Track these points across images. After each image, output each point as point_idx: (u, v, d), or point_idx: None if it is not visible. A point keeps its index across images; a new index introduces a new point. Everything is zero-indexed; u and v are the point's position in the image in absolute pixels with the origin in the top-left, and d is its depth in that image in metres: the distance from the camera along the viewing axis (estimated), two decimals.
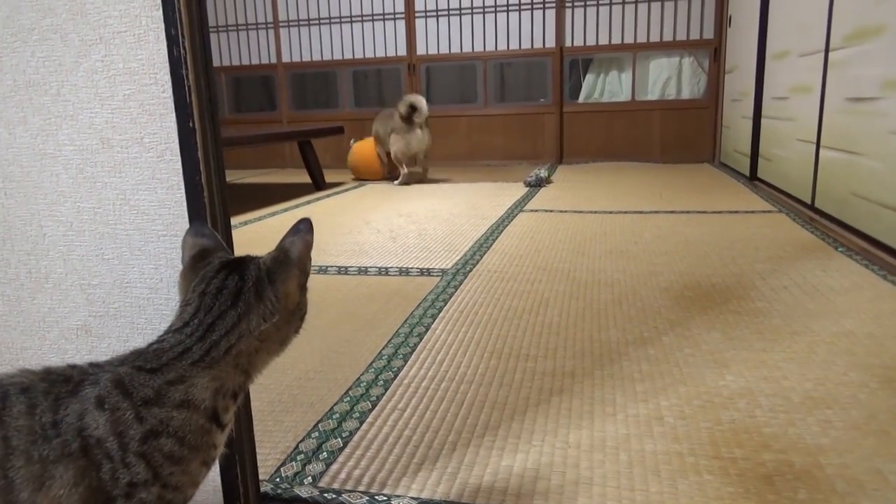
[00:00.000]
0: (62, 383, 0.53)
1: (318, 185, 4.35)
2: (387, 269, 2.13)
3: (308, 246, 0.63)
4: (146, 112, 0.69)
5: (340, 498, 0.89)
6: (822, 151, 2.74)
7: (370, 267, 2.16)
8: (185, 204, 0.69)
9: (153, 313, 0.75)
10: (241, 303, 0.59)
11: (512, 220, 2.93)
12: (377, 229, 2.83)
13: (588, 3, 5.16)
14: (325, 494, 0.90)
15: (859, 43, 2.34)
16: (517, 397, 1.19)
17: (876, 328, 1.46)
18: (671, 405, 1.14)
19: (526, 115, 5.46)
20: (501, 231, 2.68)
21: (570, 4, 5.19)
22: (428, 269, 2.10)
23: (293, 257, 0.62)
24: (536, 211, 3.15)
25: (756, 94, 3.86)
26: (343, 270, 2.13)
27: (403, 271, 2.09)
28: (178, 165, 0.69)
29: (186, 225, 0.70)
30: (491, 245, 2.42)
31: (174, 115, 0.67)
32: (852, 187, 2.39)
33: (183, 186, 0.69)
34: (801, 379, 1.22)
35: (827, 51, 2.68)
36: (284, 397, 1.22)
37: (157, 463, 0.52)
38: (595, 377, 1.26)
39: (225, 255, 0.64)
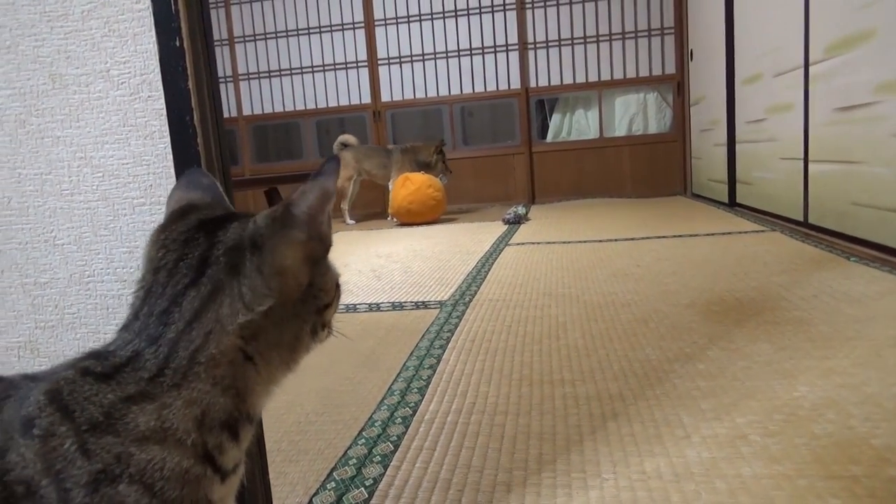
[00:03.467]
0: None
1: None
2: (378, 304, 1.92)
3: (325, 196, 0.42)
4: (114, 32, 0.50)
5: None
6: (811, 166, 2.68)
7: (359, 304, 1.95)
8: (170, 156, 0.50)
9: None
10: (205, 279, 0.39)
11: (500, 253, 2.77)
12: (358, 270, 2.63)
13: (550, 44, 5.19)
14: None
15: (845, 51, 2.30)
16: (566, 425, 1.00)
17: None
18: (750, 422, 0.96)
19: (495, 157, 5.39)
20: (493, 263, 2.51)
21: (532, 46, 5.21)
22: (424, 302, 1.90)
23: (297, 213, 0.41)
24: (523, 244, 3.00)
25: (728, 120, 3.85)
26: None
27: (397, 306, 1.89)
28: (161, 104, 0.50)
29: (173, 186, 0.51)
30: (486, 276, 2.24)
31: (153, 32, 0.49)
32: (853, 197, 2.31)
33: (168, 133, 0.50)
34: (884, 384, 1.06)
35: (807, 65, 2.65)
36: (284, 445, 1.00)
37: None
38: (648, 398, 1.08)
39: (213, 213, 0.44)
